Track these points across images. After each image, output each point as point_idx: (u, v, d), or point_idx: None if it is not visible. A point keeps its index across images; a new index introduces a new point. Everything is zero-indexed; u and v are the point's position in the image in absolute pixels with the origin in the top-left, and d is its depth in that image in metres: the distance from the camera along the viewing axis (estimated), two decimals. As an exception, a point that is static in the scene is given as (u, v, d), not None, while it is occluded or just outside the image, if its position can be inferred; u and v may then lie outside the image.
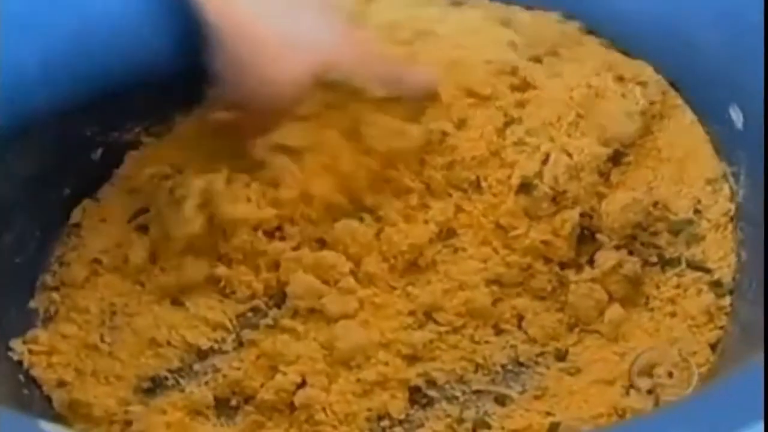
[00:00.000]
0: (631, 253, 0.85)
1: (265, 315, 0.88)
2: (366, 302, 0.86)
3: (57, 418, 0.84)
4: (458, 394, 0.84)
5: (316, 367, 0.84)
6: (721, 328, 0.83)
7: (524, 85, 0.91)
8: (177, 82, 0.98)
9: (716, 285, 0.84)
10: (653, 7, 0.94)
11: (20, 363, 0.87)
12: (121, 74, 0.95)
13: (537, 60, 0.93)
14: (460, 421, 0.83)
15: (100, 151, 0.97)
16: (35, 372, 0.86)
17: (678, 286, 0.85)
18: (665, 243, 0.86)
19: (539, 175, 0.86)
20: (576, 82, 0.90)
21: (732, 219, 0.87)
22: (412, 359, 0.84)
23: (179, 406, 0.84)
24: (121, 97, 0.96)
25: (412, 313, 0.86)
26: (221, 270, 0.89)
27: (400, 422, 0.82)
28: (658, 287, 0.85)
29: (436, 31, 0.94)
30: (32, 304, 0.90)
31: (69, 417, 0.85)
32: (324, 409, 0.82)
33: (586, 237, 0.87)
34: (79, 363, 0.86)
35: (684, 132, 0.91)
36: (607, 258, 0.85)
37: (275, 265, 0.89)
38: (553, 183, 0.86)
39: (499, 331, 0.86)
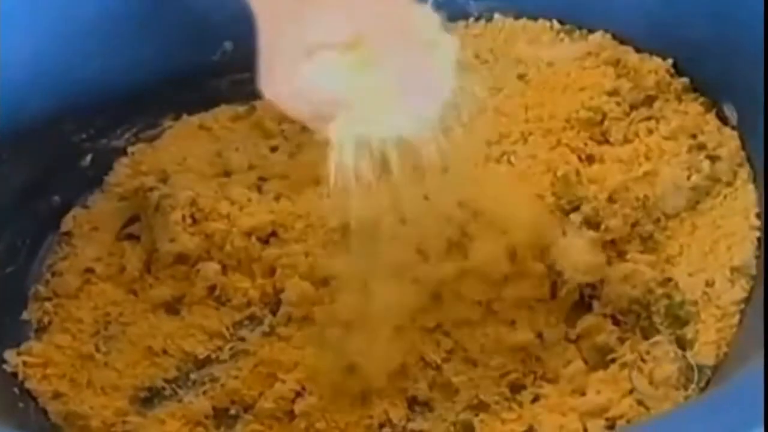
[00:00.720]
0: (616, 323, 0.84)
1: (261, 322, 0.87)
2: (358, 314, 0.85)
3: (54, 431, 0.83)
4: (458, 399, 0.83)
5: (315, 375, 0.83)
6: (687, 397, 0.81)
7: (600, 140, 0.90)
8: (166, 86, 0.98)
9: (694, 368, 0.81)
10: (649, 4, 0.93)
11: (14, 375, 0.86)
12: (110, 77, 0.95)
13: (627, 111, 0.91)
14: (455, 423, 0.82)
15: (89, 157, 0.97)
16: (30, 384, 0.85)
17: (648, 353, 0.82)
18: (659, 321, 0.83)
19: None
20: (649, 145, 0.88)
21: (742, 311, 0.83)
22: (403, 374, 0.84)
23: (178, 416, 0.83)
24: (109, 102, 0.96)
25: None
26: (217, 277, 0.88)
27: (403, 429, 0.82)
28: (630, 352, 0.83)
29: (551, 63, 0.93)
30: (25, 315, 0.90)
31: (66, 429, 0.83)
32: (324, 417, 0.81)
33: (584, 303, 0.85)
34: (74, 374, 0.85)
35: (732, 215, 0.86)
36: (585, 321, 0.84)
37: (270, 272, 0.88)
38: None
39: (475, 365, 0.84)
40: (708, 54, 0.90)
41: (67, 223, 0.94)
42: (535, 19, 0.97)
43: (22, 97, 0.91)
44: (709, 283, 0.83)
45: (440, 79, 0.72)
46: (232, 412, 0.83)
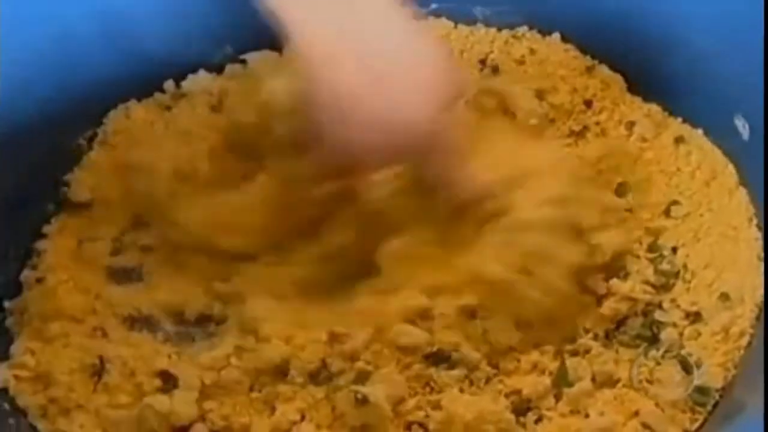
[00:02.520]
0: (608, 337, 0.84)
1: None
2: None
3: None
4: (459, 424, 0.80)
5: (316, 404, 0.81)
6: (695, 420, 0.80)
7: None
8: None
9: (699, 390, 0.81)
10: (653, 20, 0.92)
11: (5, 390, 0.84)
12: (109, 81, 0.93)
13: None
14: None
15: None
16: (20, 401, 0.83)
17: (653, 374, 0.82)
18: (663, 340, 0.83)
19: None
20: None
21: (750, 334, 0.82)
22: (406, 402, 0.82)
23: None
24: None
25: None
26: None
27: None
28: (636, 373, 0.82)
29: None
30: (16, 327, 0.87)
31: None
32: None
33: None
34: (65, 391, 0.83)
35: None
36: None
37: None
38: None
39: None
40: (714, 66, 0.89)
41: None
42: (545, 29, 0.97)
43: (13, 103, 0.88)
44: (716, 305, 0.83)
45: None
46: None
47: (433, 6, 0.99)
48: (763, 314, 0.82)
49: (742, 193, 0.88)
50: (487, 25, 0.99)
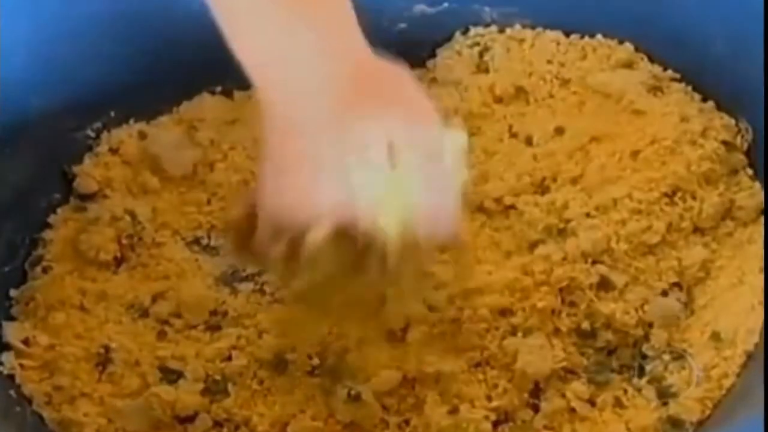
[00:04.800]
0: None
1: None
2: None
3: (50, 437, 0.82)
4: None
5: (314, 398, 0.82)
6: None
7: None
8: (171, 82, 0.96)
9: (672, 421, 0.80)
10: (659, 22, 0.92)
11: (11, 377, 0.84)
12: (115, 73, 0.94)
13: None
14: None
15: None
16: (26, 389, 0.84)
17: (630, 400, 0.82)
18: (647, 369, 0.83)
19: None
20: None
21: (737, 374, 0.81)
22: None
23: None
24: (114, 98, 0.95)
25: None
26: None
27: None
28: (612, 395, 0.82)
29: None
30: (23, 316, 0.88)
31: (61, 436, 0.83)
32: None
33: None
34: (70, 380, 0.84)
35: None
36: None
37: None
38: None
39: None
40: (725, 70, 0.89)
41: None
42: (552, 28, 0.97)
43: (26, 89, 0.89)
44: (705, 344, 0.83)
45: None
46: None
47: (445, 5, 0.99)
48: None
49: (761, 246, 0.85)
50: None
